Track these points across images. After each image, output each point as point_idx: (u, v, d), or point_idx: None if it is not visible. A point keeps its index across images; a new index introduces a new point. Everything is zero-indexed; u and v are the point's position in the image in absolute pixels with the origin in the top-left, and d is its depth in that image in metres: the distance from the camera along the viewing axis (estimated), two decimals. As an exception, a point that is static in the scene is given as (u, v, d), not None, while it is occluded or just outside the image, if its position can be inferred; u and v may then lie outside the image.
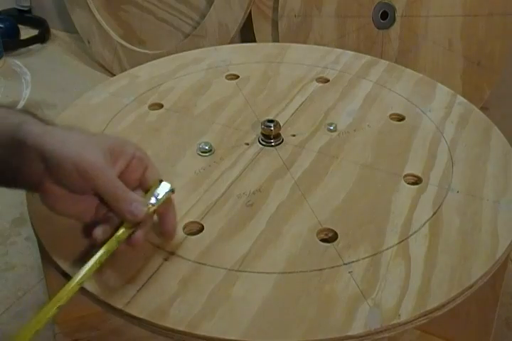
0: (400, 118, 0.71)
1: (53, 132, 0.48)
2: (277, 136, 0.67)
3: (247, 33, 1.38)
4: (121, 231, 0.48)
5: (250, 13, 1.33)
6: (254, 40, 1.37)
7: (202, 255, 0.52)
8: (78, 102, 0.74)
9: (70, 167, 0.47)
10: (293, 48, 0.87)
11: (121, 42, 1.52)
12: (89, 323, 0.68)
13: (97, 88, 0.77)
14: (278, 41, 1.31)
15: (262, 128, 0.66)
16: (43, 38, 1.73)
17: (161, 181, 0.51)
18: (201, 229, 0.55)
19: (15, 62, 1.63)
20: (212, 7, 1.33)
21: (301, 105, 0.73)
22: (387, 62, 0.83)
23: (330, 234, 0.55)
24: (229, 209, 0.57)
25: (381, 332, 0.46)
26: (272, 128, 0.65)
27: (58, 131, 0.49)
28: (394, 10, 1.15)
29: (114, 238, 0.48)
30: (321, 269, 0.50)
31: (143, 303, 0.47)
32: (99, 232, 0.48)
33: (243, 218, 0.56)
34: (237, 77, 0.80)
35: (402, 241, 0.53)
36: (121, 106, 0.73)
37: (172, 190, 0.51)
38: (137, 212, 0.48)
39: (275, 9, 1.31)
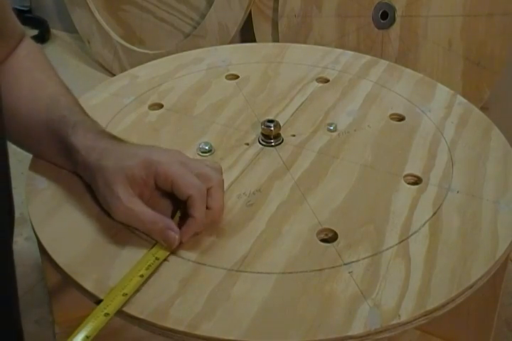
0: (400, 118, 0.71)
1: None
2: (277, 136, 0.67)
3: (247, 33, 1.38)
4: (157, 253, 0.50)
5: (250, 13, 1.33)
6: (254, 40, 1.37)
7: (202, 255, 0.52)
8: (78, 102, 0.74)
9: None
10: (293, 48, 0.87)
11: (121, 42, 1.52)
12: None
13: (97, 88, 0.77)
14: (278, 41, 1.31)
15: (262, 128, 0.66)
16: (42, 38, 1.73)
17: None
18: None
19: (15, 62, 1.63)
20: (212, 7, 1.33)
21: (301, 105, 0.73)
22: (387, 62, 0.83)
23: (330, 234, 0.55)
24: (229, 209, 0.57)
25: (381, 332, 0.46)
26: (272, 128, 0.65)
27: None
28: (394, 10, 1.16)
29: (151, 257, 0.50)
30: (320, 269, 0.50)
31: (143, 303, 0.47)
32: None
33: (243, 218, 0.56)
34: (237, 77, 0.80)
35: (402, 241, 0.53)
36: (121, 106, 0.73)
37: None
38: (171, 240, 0.51)
39: (275, 9, 1.31)
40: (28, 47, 0.63)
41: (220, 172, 0.56)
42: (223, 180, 0.55)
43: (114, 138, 0.57)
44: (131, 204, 0.51)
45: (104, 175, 0.52)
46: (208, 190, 0.52)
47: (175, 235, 0.50)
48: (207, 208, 0.52)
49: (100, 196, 0.53)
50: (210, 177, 0.53)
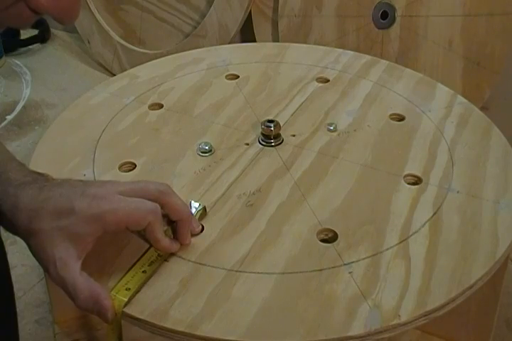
0: (400, 118, 0.71)
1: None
2: (277, 136, 0.67)
3: (247, 33, 1.38)
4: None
5: (250, 13, 1.33)
6: (254, 40, 1.37)
7: (202, 255, 0.52)
8: (78, 102, 0.74)
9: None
10: (293, 48, 0.87)
11: (121, 42, 1.52)
12: (89, 323, 0.68)
13: (97, 88, 0.77)
14: (278, 41, 1.31)
15: (262, 128, 0.66)
16: (43, 37, 1.73)
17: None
18: (201, 229, 0.55)
19: (15, 62, 1.63)
20: (212, 7, 1.33)
21: (301, 105, 0.73)
22: (387, 62, 0.83)
23: (330, 235, 0.55)
24: (229, 209, 0.57)
25: (381, 332, 0.46)
26: (272, 128, 0.65)
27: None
28: (394, 10, 1.15)
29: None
30: (321, 269, 0.50)
31: (143, 304, 0.47)
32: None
33: (243, 218, 0.56)
34: (237, 77, 0.80)
35: (402, 241, 0.53)
36: (121, 106, 0.73)
37: (204, 208, 0.56)
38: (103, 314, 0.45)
39: (275, 9, 1.31)
40: None
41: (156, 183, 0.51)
42: (168, 185, 0.51)
43: (36, 182, 0.48)
44: (66, 271, 0.45)
45: (38, 238, 0.45)
46: (162, 201, 0.49)
47: (107, 311, 0.45)
48: (173, 221, 0.51)
49: (36, 258, 0.47)
50: (155, 189, 0.49)
